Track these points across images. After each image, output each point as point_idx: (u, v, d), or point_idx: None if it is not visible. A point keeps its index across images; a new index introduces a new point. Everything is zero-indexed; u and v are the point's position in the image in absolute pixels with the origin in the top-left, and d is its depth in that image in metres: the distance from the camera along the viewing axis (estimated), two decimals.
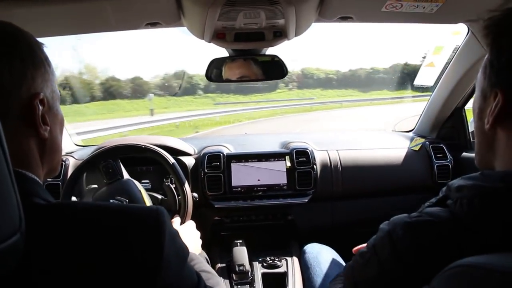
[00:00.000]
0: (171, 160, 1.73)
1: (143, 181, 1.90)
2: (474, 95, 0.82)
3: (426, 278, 0.62)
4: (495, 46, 0.73)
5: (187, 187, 1.72)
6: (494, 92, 0.72)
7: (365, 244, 0.84)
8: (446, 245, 0.66)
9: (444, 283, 0.57)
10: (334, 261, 1.68)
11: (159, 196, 1.78)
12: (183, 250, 0.77)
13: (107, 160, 1.74)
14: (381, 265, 0.74)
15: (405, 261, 0.70)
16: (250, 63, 1.75)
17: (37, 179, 0.74)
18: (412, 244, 0.70)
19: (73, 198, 1.68)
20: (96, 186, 1.74)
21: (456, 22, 1.61)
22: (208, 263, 1.87)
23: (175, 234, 0.74)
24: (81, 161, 1.80)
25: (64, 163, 2.00)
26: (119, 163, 1.76)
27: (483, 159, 0.81)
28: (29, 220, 0.56)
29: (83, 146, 2.36)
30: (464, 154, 2.11)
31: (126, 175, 1.75)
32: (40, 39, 0.79)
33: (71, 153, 2.14)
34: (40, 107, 0.73)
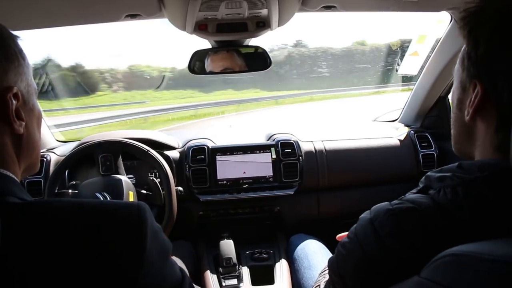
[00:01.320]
0: (166, 166, 1.73)
1: (127, 175, 1.88)
2: (453, 86, 0.83)
3: (413, 266, 0.61)
4: (472, 38, 0.73)
5: (172, 182, 1.71)
6: (473, 84, 0.73)
7: (347, 233, 0.84)
8: (429, 231, 0.66)
9: (435, 272, 0.56)
10: (320, 252, 1.69)
11: (144, 191, 1.76)
12: (166, 247, 0.75)
13: (106, 153, 1.72)
14: (365, 254, 0.73)
15: (389, 248, 0.69)
16: (233, 54, 1.73)
17: (13, 176, 0.71)
18: (395, 230, 0.69)
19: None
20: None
21: (439, 10, 1.61)
22: (194, 257, 1.86)
23: (157, 230, 0.71)
24: (63, 157, 1.77)
25: (45, 160, 1.96)
26: (118, 159, 1.74)
27: (462, 148, 0.82)
28: (2, 219, 0.54)
29: (65, 142, 2.31)
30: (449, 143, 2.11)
31: (122, 174, 1.73)
32: (16, 33, 0.76)
33: (52, 149, 2.10)
34: (14, 102, 0.70)
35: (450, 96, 2.18)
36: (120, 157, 1.75)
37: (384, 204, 0.75)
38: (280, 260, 1.79)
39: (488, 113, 0.71)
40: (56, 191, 1.67)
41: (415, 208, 0.69)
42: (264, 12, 1.39)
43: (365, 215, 0.78)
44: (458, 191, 0.66)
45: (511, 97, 0.67)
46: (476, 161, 0.71)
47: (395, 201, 0.74)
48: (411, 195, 0.75)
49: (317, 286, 1.12)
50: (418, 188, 0.76)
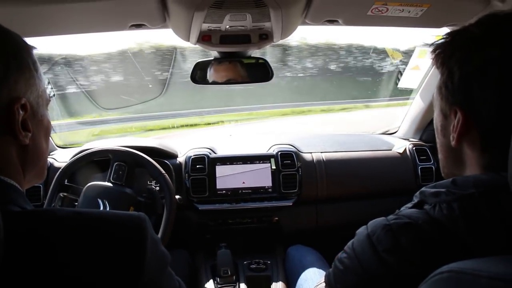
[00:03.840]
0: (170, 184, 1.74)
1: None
2: (434, 114, 0.86)
3: (411, 282, 0.62)
4: (446, 68, 0.77)
5: (173, 193, 1.72)
6: (453, 110, 0.76)
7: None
8: (426, 247, 0.68)
9: None
10: (318, 264, 1.69)
11: (143, 199, 1.76)
12: (164, 257, 0.76)
13: (122, 162, 1.74)
14: (364, 269, 0.75)
15: (387, 263, 0.70)
16: (237, 65, 1.74)
17: (16, 185, 0.72)
18: (392, 245, 0.71)
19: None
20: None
21: (440, 27, 1.63)
22: (191, 266, 1.86)
23: (157, 241, 0.73)
24: (64, 163, 1.77)
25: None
26: (131, 172, 1.75)
27: (450, 171, 0.85)
28: (4, 227, 0.55)
29: (64, 147, 2.32)
30: None
31: (129, 187, 1.73)
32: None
33: (52, 155, 2.10)
34: (21, 112, 0.71)
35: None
36: (134, 171, 1.76)
37: (381, 219, 0.77)
38: (278, 271, 1.79)
39: (472, 137, 0.74)
40: (59, 193, 1.69)
41: (412, 224, 0.71)
42: (267, 25, 1.41)
43: (362, 230, 0.80)
44: (453, 207, 0.67)
45: (490, 120, 0.70)
46: (469, 177, 0.73)
47: (391, 216, 0.76)
48: (407, 209, 0.77)
49: None
50: (413, 202, 0.77)
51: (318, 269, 1.64)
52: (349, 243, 0.83)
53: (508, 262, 0.54)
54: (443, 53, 0.77)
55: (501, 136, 0.69)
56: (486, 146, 0.73)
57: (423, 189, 0.77)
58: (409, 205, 0.79)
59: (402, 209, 0.79)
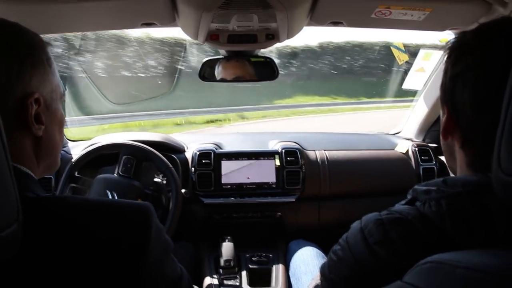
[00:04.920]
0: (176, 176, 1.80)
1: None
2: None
3: (398, 272, 0.66)
4: (444, 68, 0.83)
5: (180, 187, 1.78)
6: (444, 107, 0.82)
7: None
8: (414, 240, 0.71)
9: (415, 277, 0.61)
10: (318, 259, 1.73)
11: (150, 192, 1.82)
12: (168, 244, 0.80)
13: (131, 156, 1.80)
14: (355, 260, 0.78)
15: (378, 255, 0.74)
16: (245, 63, 1.78)
17: (31, 174, 0.77)
18: (383, 239, 0.74)
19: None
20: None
21: (442, 30, 1.65)
22: (195, 258, 1.91)
23: (161, 228, 0.77)
24: (75, 155, 1.83)
25: None
26: (139, 165, 1.81)
27: (449, 164, 0.90)
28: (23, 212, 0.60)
29: (75, 140, 2.37)
30: None
31: (138, 180, 1.80)
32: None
33: (63, 148, 2.16)
34: (35, 106, 0.75)
35: None
36: (142, 165, 1.82)
37: (374, 214, 0.81)
38: (278, 264, 1.83)
39: (456, 134, 0.79)
40: (70, 184, 1.75)
41: (402, 219, 0.74)
42: (273, 25, 1.44)
43: (356, 224, 0.84)
44: (441, 204, 0.71)
45: (466, 120, 0.76)
46: (459, 177, 0.78)
47: (384, 212, 0.80)
48: (399, 206, 0.80)
49: None
50: (406, 199, 0.81)
51: (318, 263, 1.68)
52: (344, 236, 0.87)
53: (485, 255, 0.58)
54: (447, 53, 0.82)
55: (477, 137, 0.75)
56: (466, 145, 0.78)
57: (415, 186, 0.81)
58: (402, 202, 0.82)
59: (395, 205, 0.83)
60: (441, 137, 0.85)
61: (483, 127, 0.73)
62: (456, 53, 0.79)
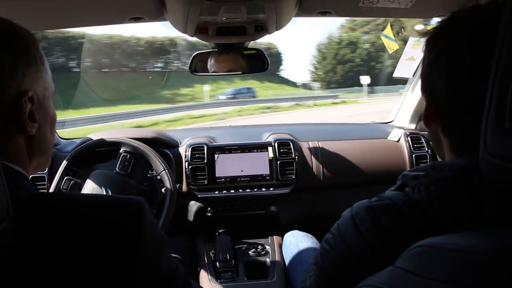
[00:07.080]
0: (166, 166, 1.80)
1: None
2: None
3: (390, 258, 0.66)
4: (422, 56, 0.84)
5: (173, 183, 1.78)
6: (425, 95, 0.83)
7: None
8: (404, 226, 0.72)
9: (406, 262, 0.61)
10: (313, 249, 1.74)
11: (144, 188, 1.82)
12: (162, 239, 0.80)
13: (129, 153, 1.79)
14: (347, 247, 0.79)
15: (369, 242, 0.75)
16: (237, 56, 1.78)
17: (23, 172, 0.76)
18: (374, 225, 0.75)
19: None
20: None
21: (430, 17, 1.67)
22: (191, 252, 1.92)
23: (155, 222, 0.77)
24: (67, 154, 1.82)
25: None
26: (136, 164, 1.81)
27: (437, 150, 0.90)
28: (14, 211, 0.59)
29: (68, 139, 2.36)
30: None
31: (134, 178, 1.79)
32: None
33: (56, 146, 2.15)
34: (28, 104, 0.75)
35: None
36: (139, 162, 1.82)
37: (365, 201, 0.81)
38: (275, 256, 1.85)
39: (439, 121, 0.81)
40: (66, 177, 1.75)
41: (392, 205, 0.75)
42: (262, 16, 1.44)
43: (347, 212, 0.84)
44: (430, 189, 0.72)
45: (443, 107, 0.78)
46: (447, 161, 0.78)
47: (374, 198, 0.80)
48: (389, 192, 0.81)
49: (304, 281, 1.17)
50: (396, 185, 0.82)
51: (313, 254, 1.69)
52: (335, 224, 0.87)
53: (474, 236, 0.58)
54: (425, 41, 0.83)
55: (456, 122, 0.76)
56: (448, 131, 0.80)
57: (404, 172, 0.81)
58: (392, 188, 0.83)
59: (386, 192, 0.83)
60: (425, 125, 0.86)
61: (459, 113, 0.75)
62: (431, 41, 0.80)
